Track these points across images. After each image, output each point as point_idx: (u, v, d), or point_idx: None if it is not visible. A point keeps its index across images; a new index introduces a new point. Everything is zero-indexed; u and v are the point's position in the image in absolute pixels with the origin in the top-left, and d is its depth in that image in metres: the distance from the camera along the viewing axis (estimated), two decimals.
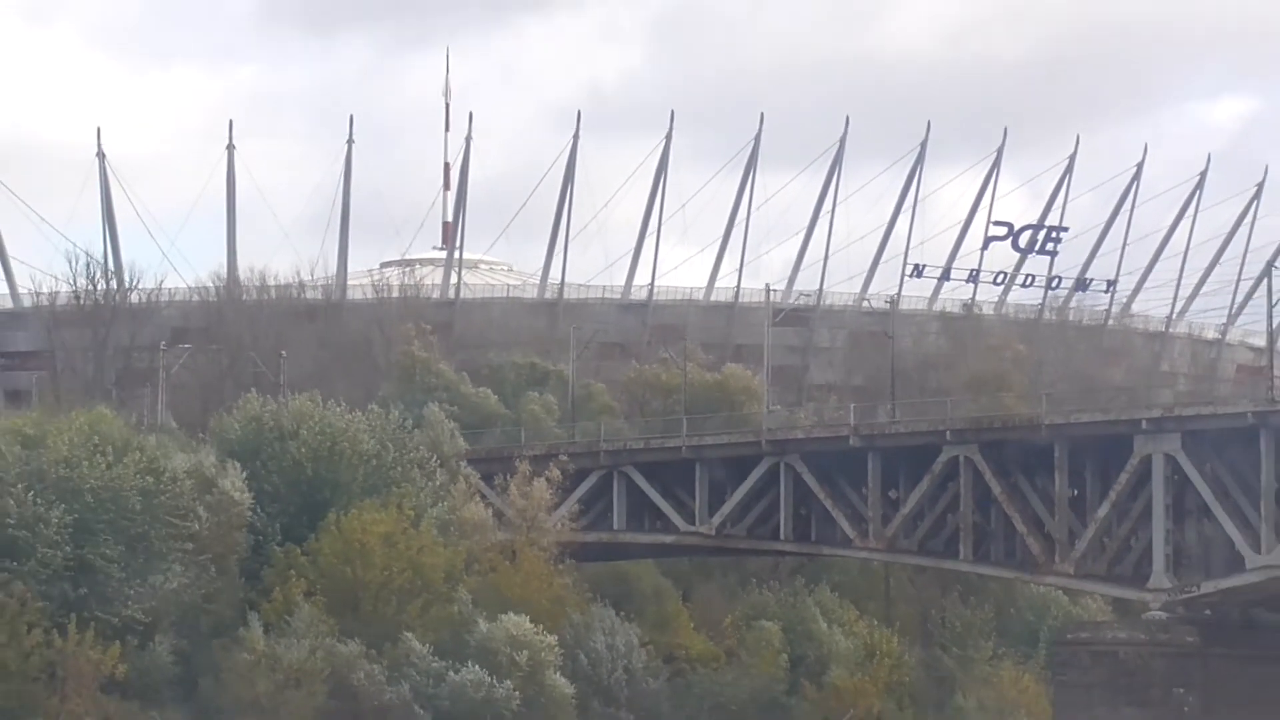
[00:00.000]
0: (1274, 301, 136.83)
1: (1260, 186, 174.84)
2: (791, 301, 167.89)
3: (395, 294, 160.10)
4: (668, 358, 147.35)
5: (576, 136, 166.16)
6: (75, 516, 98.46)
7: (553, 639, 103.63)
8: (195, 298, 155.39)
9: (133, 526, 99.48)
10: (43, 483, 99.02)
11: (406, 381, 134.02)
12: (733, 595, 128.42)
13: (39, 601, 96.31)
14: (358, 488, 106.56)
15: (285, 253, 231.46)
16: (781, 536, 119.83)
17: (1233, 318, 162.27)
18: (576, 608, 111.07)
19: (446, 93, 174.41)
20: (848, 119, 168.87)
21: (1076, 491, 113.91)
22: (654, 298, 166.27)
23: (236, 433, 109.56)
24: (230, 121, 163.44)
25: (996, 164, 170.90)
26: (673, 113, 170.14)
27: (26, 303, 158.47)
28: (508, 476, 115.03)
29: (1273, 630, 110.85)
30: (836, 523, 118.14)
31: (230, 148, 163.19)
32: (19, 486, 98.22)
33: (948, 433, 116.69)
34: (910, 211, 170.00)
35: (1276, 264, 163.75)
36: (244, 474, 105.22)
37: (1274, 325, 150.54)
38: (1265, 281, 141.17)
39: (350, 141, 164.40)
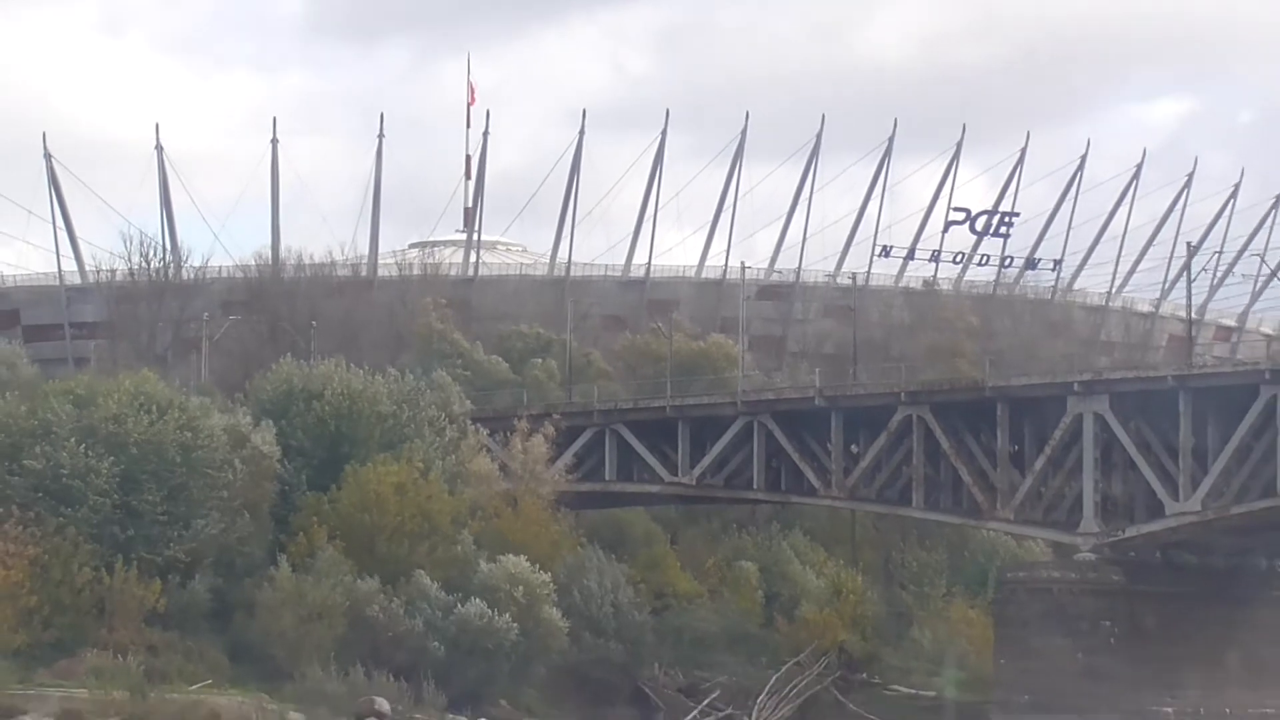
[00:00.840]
0: (1193, 278, 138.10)
1: (1190, 177, 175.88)
2: (772, 279, 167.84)
3: (416, 272, 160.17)
4: (657, 328, 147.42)
5: (582, 132, 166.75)
6: (122, 468, 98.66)
7: (548, 577, 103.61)
8: (240, 275, 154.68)
9: (173, 477, 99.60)
10: (93, 437, 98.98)
11: (425, 350, 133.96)
12: (715, 539, 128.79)
13: (90, 544, 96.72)
14: (375, 443, 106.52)
15: (323, 235, 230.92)
16: (755, 486, 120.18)
17: (1165, 293, 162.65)
18: (570, 550, 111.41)
19: (468, 93, 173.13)
20: (823, 117, 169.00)
21: (1016, 447, 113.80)
22: (650, 275, 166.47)
23: (268, 394, 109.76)
24: (274, 119, 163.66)
25: (956, 157, 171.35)
26: (668, 111, 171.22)
27: (92, 279, 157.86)
28: (510, 433, 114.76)
29: (1189, 570, 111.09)
30: (803, 474, 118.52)
31: (274, 142, 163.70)
32: (72, 441, 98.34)
33: (902, 394, 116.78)
34: (879, 199, 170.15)
35: (1205, 246, 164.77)
36: (274, 431, 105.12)
37: (1194, 300, 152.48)
38: (1188, 261, 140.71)
39: (381, 136, 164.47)
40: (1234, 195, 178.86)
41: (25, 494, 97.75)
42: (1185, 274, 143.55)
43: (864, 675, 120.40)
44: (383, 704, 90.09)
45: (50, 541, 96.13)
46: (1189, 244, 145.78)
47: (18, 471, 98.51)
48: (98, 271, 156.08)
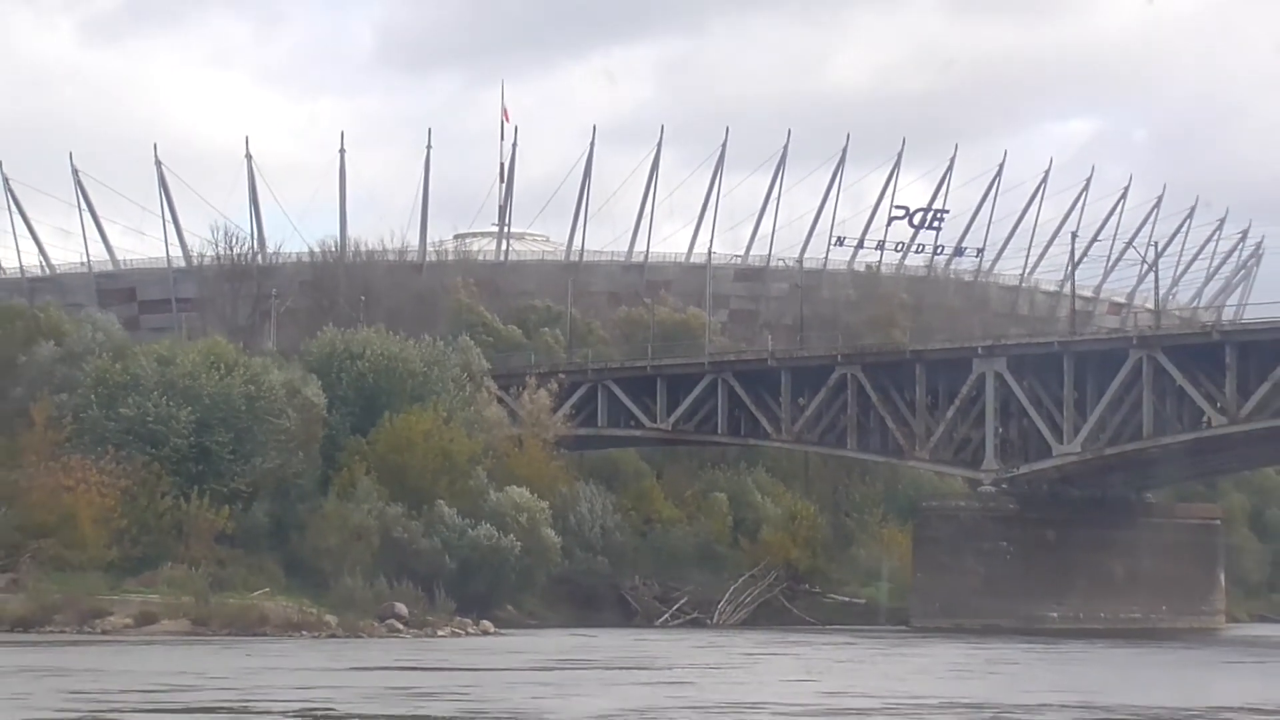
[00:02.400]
0: (1077, 264, 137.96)
1: (1088, 182, 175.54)
2: (746, 264, 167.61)
3: (452, 258, 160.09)
4: (647, 303, 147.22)
5: (592, 145, 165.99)
6: (197, 415, 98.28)
7: (546, 505, 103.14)
8: (308, 259, 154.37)
9: (239, 422, 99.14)
10: (173, 390, 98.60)
11: (456, 320, 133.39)
12: (693, 475, 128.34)
13: (170, 477, 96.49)
14: (406, 396, 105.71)
15: (382, 229, 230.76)
16: (719, 431, 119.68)
17: (1068, 275, 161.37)
18: (566, 483, 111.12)
19: (502, 113, 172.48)
20: (789, 132, 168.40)
21: (932, 399, 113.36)
22: (648, 261, 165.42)
23: (316, 355, 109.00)
24: (342, 133, 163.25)
25: (897, 165, 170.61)
26: (662, 127, 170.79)
27: (194, 263, 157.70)
28: (520, 388, 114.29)
29: (1071, 500, 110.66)
30: (759, 421, 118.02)
31: (342, 152, 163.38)
32: (155, 393, 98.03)
33: (839, 356, 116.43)
34: (835, 199, 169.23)
35: (1102, 238, 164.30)
36: (322, 385, 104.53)
37: (1091, 282, 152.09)
38: (1072, 249, 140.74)
39: (429, 148, 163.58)
40: (1123, 197, 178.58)
41: (119, 436, 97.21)
42: (1074, 259, 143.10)
43: (808, 586, 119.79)
44: (401, 608, 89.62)
45: (138, 475, 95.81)
46: (1073, 234, 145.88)
47: (113, 418, 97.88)
48: (199, 256, 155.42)
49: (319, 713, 40.25)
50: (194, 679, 51.98)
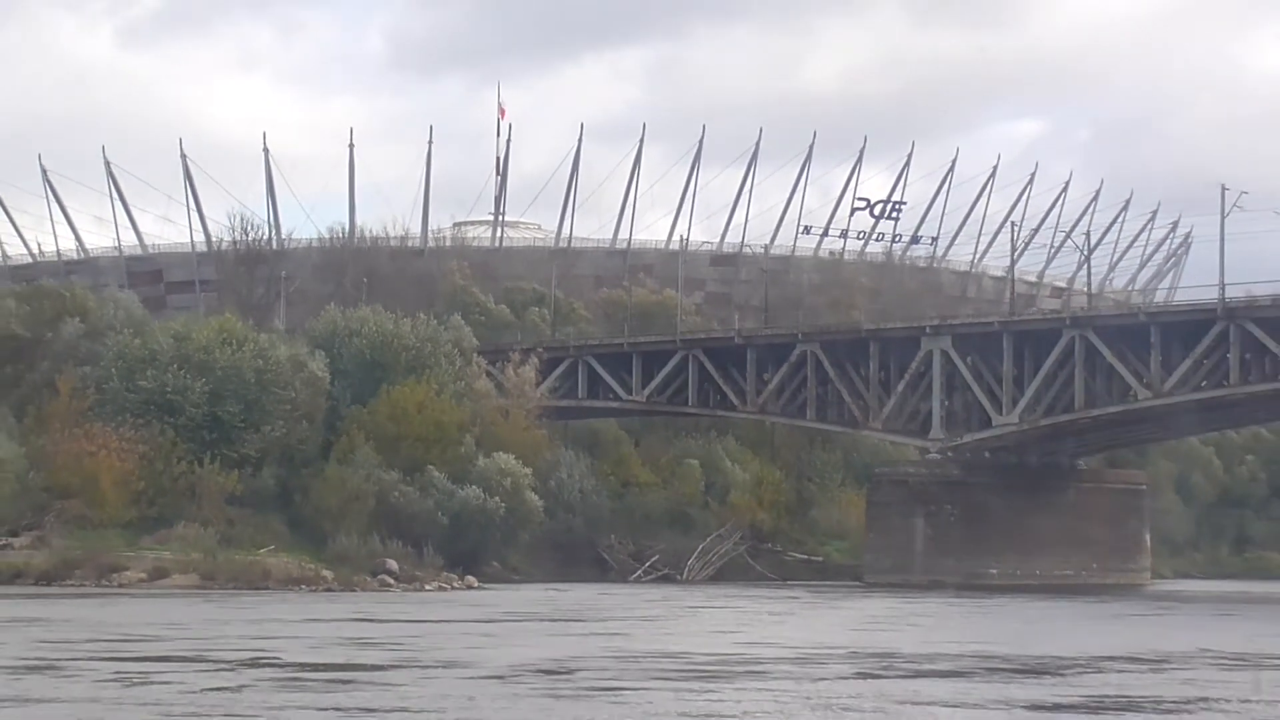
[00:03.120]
0: (1021, 253, 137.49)
1: (1032, 177, 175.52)
2: (721, 250, 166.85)
3: (449, 244, 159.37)
4: (626, 285, 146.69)
5: (580, 140, 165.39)
6: (210, 387, 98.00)
7: (529, 470, 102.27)
8: (319, 244, 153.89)
9: (249, 393, 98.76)
10: (188, 364, 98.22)
11: (451, 301, 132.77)
12: (668, 443, 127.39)
13: (185, 443, 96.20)
14: (402, 369, 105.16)
15: (388, 217, 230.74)
16: (690, 403, 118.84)
17: (1014, 262, 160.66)
18: (548, 450, 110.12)
19: (498, 111, 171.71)
20: (760, 130, 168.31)
21: (884, 374, 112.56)
22: (630, 247, 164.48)
23: (319, 331, 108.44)
24: (351, 129, 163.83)
25: (859, 160, 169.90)
26: (644, 124, 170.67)
27: (215, 248, 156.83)
28: (506, 363, 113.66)
29: (1010, 467, 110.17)
30: (726, 394, 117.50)
31: (351, 146, 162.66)
32: (173, 366, 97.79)
33: (799, 335, 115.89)
34: (803, 191, 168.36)
35: (1045, 228, 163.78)
36: (325, 359, 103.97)
37: (1035, 268, 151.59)
38: (1013, 238, 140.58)
39: (430, 144, 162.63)
40: (1064, 191, 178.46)
41: (138, 406, 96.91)
42: (1014, 247, 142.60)
43: (770, 545, 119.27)
44: (392, 564, 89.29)
45: (155, 441, 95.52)
46: (1013, 224, 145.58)
47: (133, 389, 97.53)
48: (218, 241, 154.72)
49: (264, 661, 39.38)
50: (163, 629, 51.35)
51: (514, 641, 48.38)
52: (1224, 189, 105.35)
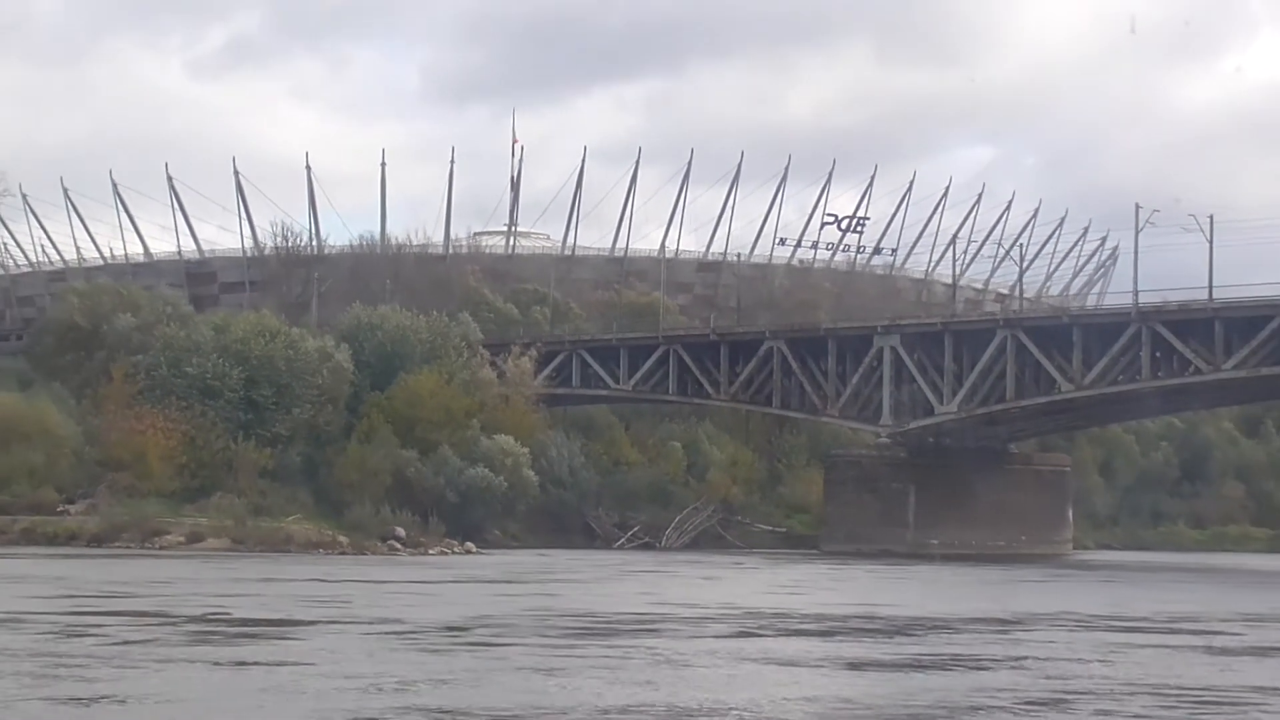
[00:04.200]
0: (969, 263, 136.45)
1: (979, 196, 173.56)
2: (706, 258, 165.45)
3: (465, 250, 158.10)
4: (618, 288, 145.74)
5: (584, 161, 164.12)
6: (246, 374, 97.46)
7: (527, 450, 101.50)
8: (352, 250, 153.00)
9: (280, 380, 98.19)
10: (227, 353, 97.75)
11: (466, 301, 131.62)
12: (654, 427, 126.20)
13: (223, 424, 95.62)
14: (417, 360, 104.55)
15: (414, 226, 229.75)
16: (670, 392, 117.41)
17: (962, 271, 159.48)
18: (543, 432, 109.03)
19: (513, 135, 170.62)
20: (742, 153, 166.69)
21: (841, 368, 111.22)
22: (627, 254, 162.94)
23: (346, 326, 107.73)
24: (383, 150, 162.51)
25: (829, 180, 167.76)
26: (640, 148, 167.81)
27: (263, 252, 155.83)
28: (507, 355, 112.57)
29: (951, 450, 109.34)
30: (703, 384, 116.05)
31: (383, 165, 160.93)
32: (214, 355, 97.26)
33: (767, 333, 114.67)
34: (779, 207, 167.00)
35: (991, 241, 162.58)
36: (349, 351, 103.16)
37: (982, 275, 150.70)
38: (953, 249, 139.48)
39: (452, 163, 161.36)
40: (1008, 209, 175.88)
41: (182, 390, 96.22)
42: (955, 257, 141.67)
43: (739, 517, 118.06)
44: (400, 531, 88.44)
45: (197, 421, 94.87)
46: (954, 236, 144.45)
47: (178, 375, 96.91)
48: (262, 247, 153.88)
49: (211, 616, 37.98)
50: (149, 587, 49.81)
51: (451, 600, 46.81)
52: (1138, 207, 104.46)
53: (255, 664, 27.40)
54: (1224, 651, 34.44)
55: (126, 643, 30.74)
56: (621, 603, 44.63)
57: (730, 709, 22.31)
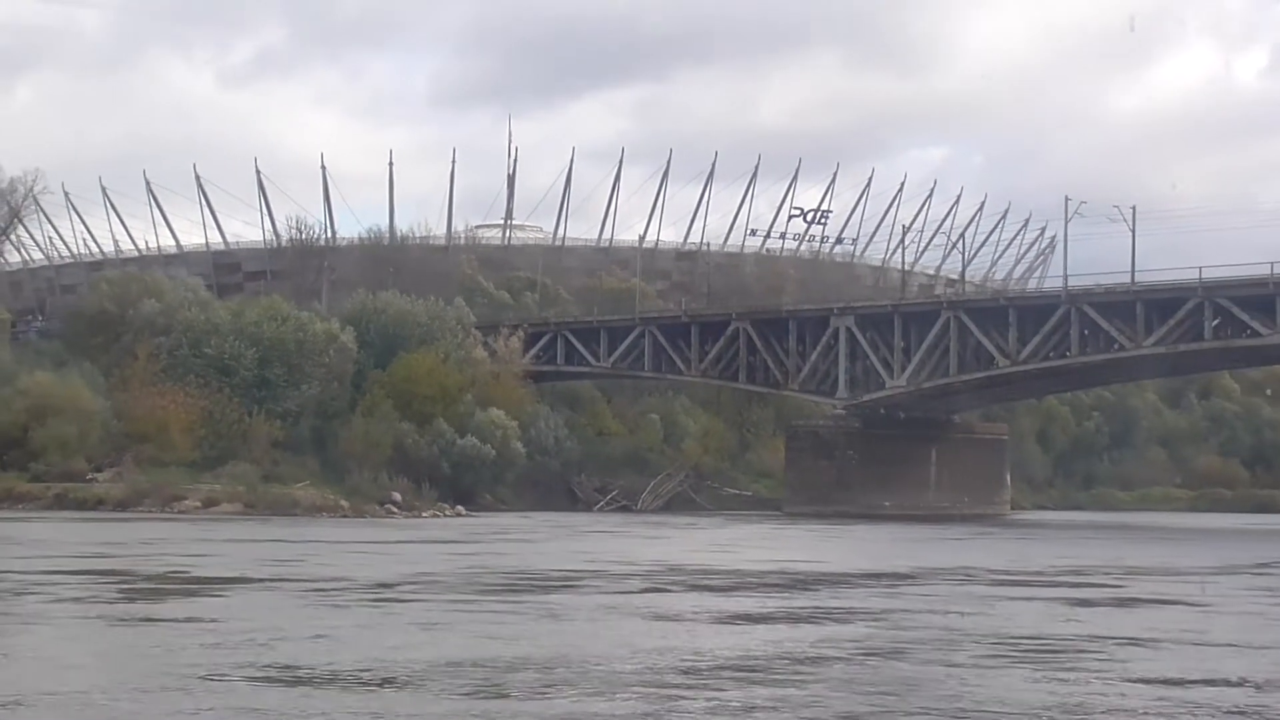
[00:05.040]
0: (922, 252, 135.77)
1: (931, 192, 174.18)
2: (684, 248, 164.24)
3: (463, 241, 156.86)
4: (601, 275, 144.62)
5: (572, 160, 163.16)
6: (259, 354, 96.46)
7: (515, 422, 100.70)
8: (361, 242, 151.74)
9: (291, 359, 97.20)
10: (242, 335, 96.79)
11: (464, 288, 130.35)
12: (634, 401, 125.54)
13: (239, 399, 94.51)
14: (415, 341, 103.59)
15: (419, 220, 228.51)
16: (646, 369, 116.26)
17: (916, 259, 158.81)
18: (531, 406, 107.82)
19: (509, 137, 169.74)
20: (716, 153, 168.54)
21: (801, 346, 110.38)
22: (613, 245, 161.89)
23: (352, 310, 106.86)
24: (390, 150, 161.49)
25: (795, 177, 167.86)
26: (623, 149, 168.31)
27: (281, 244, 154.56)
28: (498, 336, 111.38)
29: (901, 420, 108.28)
30: (675, 361, 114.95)
31: (390, 165, 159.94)
32: (230, 337, 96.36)
33: (734, 314, 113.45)
34: (751, 201, 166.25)
35: (942, 231, 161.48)
36: (354, 333, 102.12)
37: (934, 262, 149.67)
38: (903, 239, 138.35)
39: (453, 163, 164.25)
40: (956, 204, 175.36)
41: (201, 369, 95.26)
42: (904, 246, 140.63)
43: (709, 482, 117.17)
44: (396, 496, 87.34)
45: (214, 397, 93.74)
46: (904, 227, 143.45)
47: (197, 355, 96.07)
48: (281, 239, 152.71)
49: (170, 575, 36.43)
50: (127, 548, 48.04)
51: (401, 559, 44.77)
52: (1067, 199, 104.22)
53: (159, 621, 25.87)
54: (1085, 603, 33.07)
55: (58, 600, 29.22)
56: (559, 561, 43.18)
57: (569, 660, 20.90)
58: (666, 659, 21.11)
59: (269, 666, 20.15)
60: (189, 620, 26.10)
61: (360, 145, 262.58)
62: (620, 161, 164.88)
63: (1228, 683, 20.26)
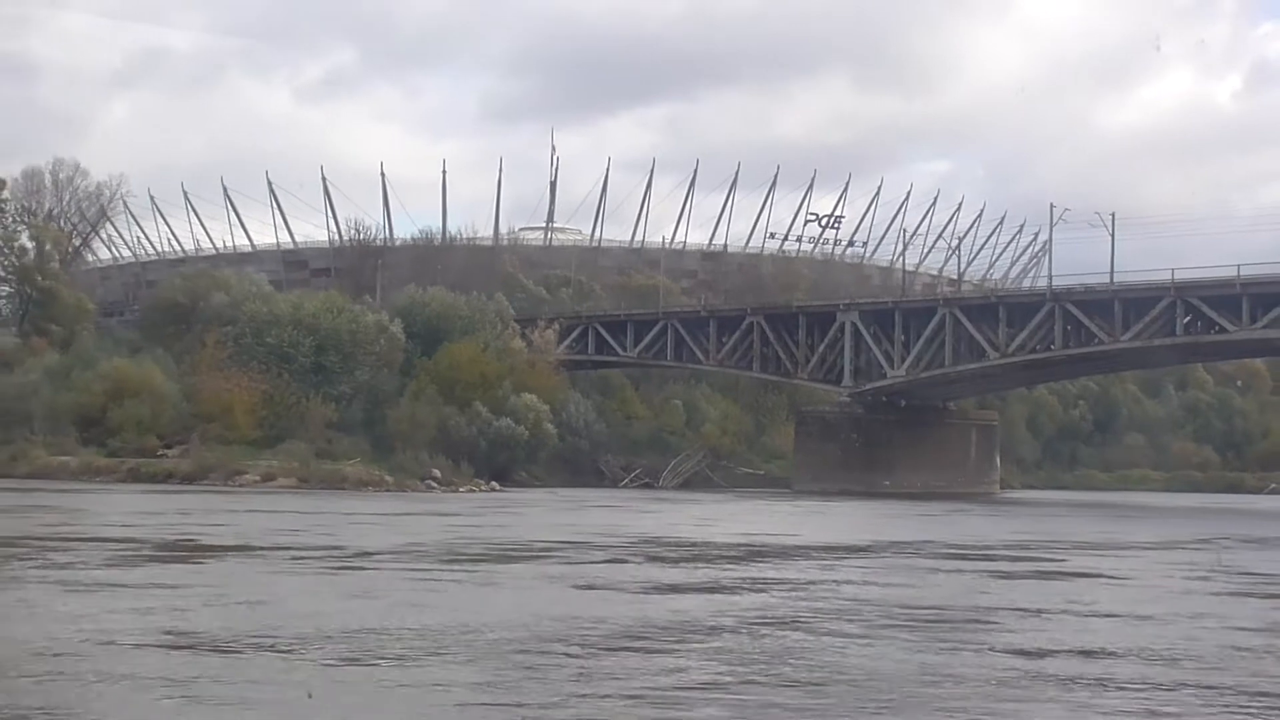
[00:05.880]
0: (923, 258, 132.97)
1: (935, 200, 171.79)
2: (708, 250, 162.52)
3: (505, 242, 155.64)
4: (630, 274, 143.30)
5: (608, 170, 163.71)
6: (316, 342, 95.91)
7: (547, 406, 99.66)
8: (414, 242, 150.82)
9: (344, 348, 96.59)
10: (300, 326, 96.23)
11: (506, 285, 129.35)
12: (660, 387, 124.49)
13: (297, 383, 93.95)
14: (458, 332, 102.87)
15: (468, 223, 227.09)
16: (668, 359, 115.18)
17: (920, 260, 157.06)
18: (563, 392, 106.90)
19: (551, 148, 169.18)
20: (739, 163, 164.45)
21: (810, 339, 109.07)
22: (644, 246, 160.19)
23: (401, 304, 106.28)
24: (444, 160, 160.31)
25: (811, 186, 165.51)
26: (655, 160, 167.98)
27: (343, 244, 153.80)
28: (534, 328, 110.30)
29: (900, 407, 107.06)
30: (695, 352, 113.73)
31: (444, 173, 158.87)
32: (289, 327, 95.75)
33: (749, 309, 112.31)
34: (770, 207, 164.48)
35: (944, 236, 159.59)
36: (402, 324, 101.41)
37: (936, 264, 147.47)
38: (902, 243, 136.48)
39: (500, 171, 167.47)
40: (957, 211, 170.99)
41: (263, 356, 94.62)
42: (904, 249, 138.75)
43: (725, 462, 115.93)
44: (436, 472, 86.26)
45: (275, 382, 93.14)
46: (904, 230, 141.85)
47: (260, 343, 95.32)
48: (341, 239, 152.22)
49: (178, 543, 34.56)
50: (157, 517, 46.16)
51: (401, 530, 41.75)
52: (1051, 206, 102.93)
53: (122, 586, 24.19)
54: (1007, 575, 30.95)
55: (41, 565, 27.49)
56: (549, 533, 41.09)
57: (448, 629, 19.30)
58: (552, 628, 19.40)
59: (171, 632, 18.75)
60: (147, 585, 24.39)
61: (417, 156, 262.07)
62: (651, 171, 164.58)
63: (1087, 652, 18.86)
